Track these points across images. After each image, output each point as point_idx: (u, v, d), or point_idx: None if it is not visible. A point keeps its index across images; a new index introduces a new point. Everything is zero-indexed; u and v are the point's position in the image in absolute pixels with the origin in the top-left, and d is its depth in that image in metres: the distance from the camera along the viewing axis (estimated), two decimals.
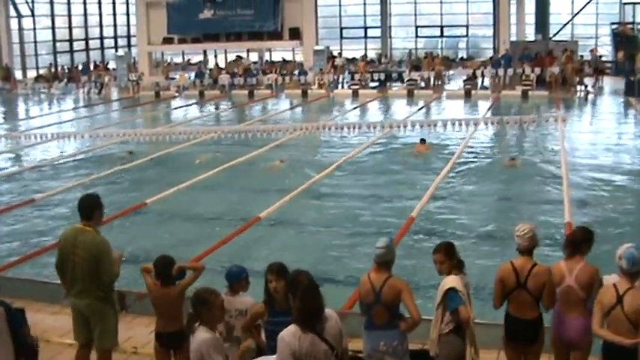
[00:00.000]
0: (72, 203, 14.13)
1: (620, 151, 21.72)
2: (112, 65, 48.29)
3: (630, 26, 44.31)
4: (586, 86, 34.85)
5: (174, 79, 42.79)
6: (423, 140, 22.03)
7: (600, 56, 40.41)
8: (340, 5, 52.13)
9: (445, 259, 7.01)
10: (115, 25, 55.03)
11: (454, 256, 7.05)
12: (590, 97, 34.09)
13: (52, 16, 50.63)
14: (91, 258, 7.37)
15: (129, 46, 54.04)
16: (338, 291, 10.87)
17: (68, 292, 7.74)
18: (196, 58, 50.70)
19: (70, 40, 51.87)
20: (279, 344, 5.64)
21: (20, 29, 48.56)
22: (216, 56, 50.97)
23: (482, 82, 38.17)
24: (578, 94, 34.25)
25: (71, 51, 51.73)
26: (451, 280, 6.89)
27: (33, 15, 49.38)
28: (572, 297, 6.86)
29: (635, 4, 46.54)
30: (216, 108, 36.27)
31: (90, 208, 7.59)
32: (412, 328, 6.71)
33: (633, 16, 46.37)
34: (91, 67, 47.35)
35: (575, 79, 35.68)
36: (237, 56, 47.14)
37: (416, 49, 49.39)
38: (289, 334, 5.58)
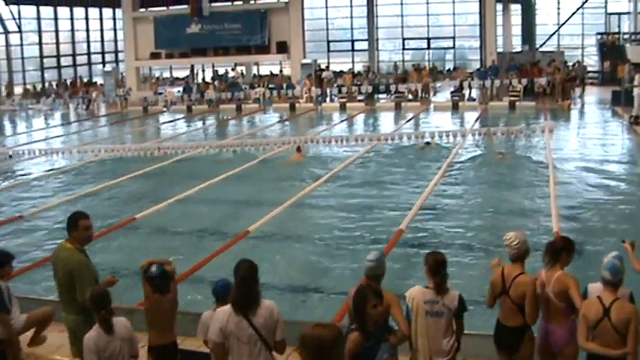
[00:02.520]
0: (60, 219, 14.15)
1: (607, 161, 21.85)
2: (99, 81, 48.20)
3: (616, 36, 44.65)
4: (569, 98, 34.99)
5: (162, 94, 42.76)
6: (427, 143, 23.99)
7: (585, 67, 40.62)
8: (327, 19, 52.27)
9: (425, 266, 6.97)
10: (102, 41, 55.16)
11: (426, 264, 6.90)
12: (576, 107, 34.26)
13: (40, 32, 50.54)
14: (67, 275, 7.33)
15: (116, 61, 54.10)
16: (327, 303, 10.88)
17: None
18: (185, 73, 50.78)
19: (58, 56, 51.82)
20: (213, 318, 6.16)
21: (7, 45, 48.49)
22: (203, 70, 50.99)
23: (470, 93, 38.28)
24: (566, 104, 34.34)
25: (59, 67, 51.67)
26: (410, 289, 6.92)
27: (20, 31, 49.32)
28: (551, 307, 6.91)
29: (620, 14, 46.94)
30: (204, 122, 36.33)
31: (67, 225, 7.56)
32: (402, 341, 6.71)
33: (619, 27, 46.77)
34: (77, 84, 47.34)
35: (562, 89, 35.85)
36: (231, 69, 47.35)
37: (403, 61, 49.63)
38: (223, 311, 6.10)
